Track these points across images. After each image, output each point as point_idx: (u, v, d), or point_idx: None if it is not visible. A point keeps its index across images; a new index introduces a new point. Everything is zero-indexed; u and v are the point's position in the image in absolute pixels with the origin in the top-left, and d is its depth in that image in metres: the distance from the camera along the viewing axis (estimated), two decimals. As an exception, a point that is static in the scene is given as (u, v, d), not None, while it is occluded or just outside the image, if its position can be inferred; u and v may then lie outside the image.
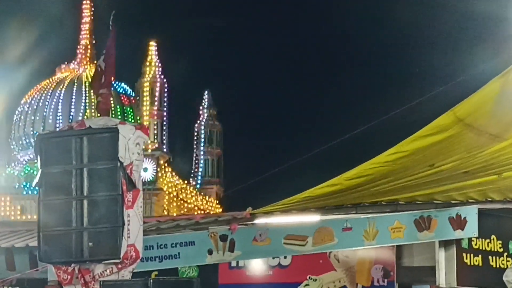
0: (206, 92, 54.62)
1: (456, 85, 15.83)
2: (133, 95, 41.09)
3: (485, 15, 14.39)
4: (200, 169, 53.92)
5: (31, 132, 31.59)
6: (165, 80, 49.02)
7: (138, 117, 39.05)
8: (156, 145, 46.07)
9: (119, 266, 12.78)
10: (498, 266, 16.35)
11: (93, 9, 43.70)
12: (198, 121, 53.83)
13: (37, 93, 38.94)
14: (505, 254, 16.53)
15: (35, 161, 15.63)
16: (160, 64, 50.30)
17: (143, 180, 14.91)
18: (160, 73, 50.46)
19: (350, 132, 19.82)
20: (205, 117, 54.94)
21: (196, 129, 53.97)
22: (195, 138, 55.17)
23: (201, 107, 54.58)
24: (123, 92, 34.55)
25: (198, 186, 50.41)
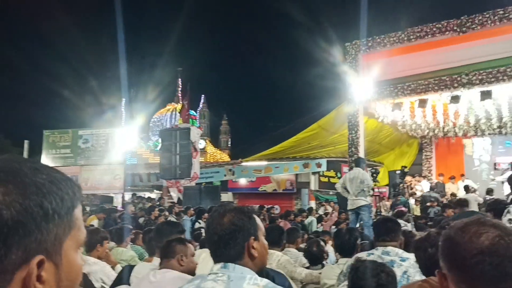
0: (224, 114, 53.81)
1: (318, 112, 15.79)
2: (195, 114, 40.84)
3: (333, 79, 14.29)
4: (222, 142, 53.01)
5: (157, 129, 31.22)
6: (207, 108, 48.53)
7: (198, 124, 38.66)
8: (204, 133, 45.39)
9: (190, 180, 13.24)
10: (334, 182, 16.66)
11: (180, 83, 43.03)
12: (221, 125, 52.86)
13: (159, 114, 38.47)
14: (336, 177, 16.77)
15: (159, 140, 15.96)
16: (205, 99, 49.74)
17: (200, 148, 15.16)
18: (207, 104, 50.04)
19: (283, 128, 20.09)
20: (224, 124, 54.15)
21: (220, 128, 52.98)
22: (220, 131, 54.20)
23: (222, 122, 53.43)
24: (192, 113, 34.12)
25: (220, 149, 50.01)
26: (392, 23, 13.33)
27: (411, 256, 3.08)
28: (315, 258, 4.49)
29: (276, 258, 4.23)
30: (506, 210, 3.97)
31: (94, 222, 8.95)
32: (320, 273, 4.01)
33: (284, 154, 17.02)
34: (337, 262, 4.08)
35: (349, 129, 12.98)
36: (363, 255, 3.31)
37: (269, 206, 14.36)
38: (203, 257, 3.42)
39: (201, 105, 49.45)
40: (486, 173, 15.79)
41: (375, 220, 5.86)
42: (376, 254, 3.18)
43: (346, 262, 3.47)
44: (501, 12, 10.74)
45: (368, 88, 12.30)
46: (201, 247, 4.47)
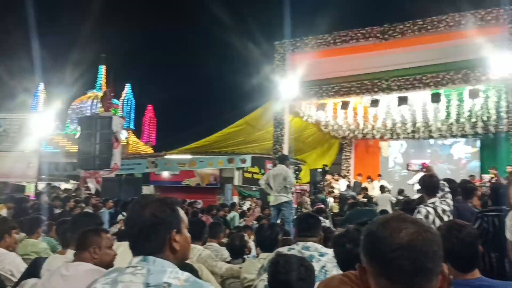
0: (149, 106, 51.05)
1: (245, 108, 15.69)
2: (118, 103, 38.18)
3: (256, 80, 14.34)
4: (145, 134, 50.85)
5: (76, 117, 29.02)
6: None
7: (119, 113, 36.34)
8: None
9: (110, 171, 12.77)
10: (257, 178, 16.78)
11: (103, 70, 39.88)
12: (146, 117, 50.50)
13: (79, 101, 36.11)
14: (260, 173, 16.89)
15: (78, 128, 15.19)
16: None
17: (122, 139, 14.60)
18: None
19: (210, 122, 19.88)
20: (149, 115, 51.80)
21: (145, 119, 50.89)
22: (144, 123, 51.79)
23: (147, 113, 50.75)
24: (114, 102, 31.79)
25: (143, 141, 47.67)
26: (320, 26, 13.65)
27: (330, 251, 3.16)
28: (238, 252, 4.50)
29: (197, 253, 4.18)
30: (416, 210, 4.19)
31: (3, 211, 8.36)
32: (240, 268, 4.02)
33: (209, 149, 16.87)
34: (258, 256, 4.11)
35: (274, 126, 13.17)
36: (283, 249, 3.36)
37: (192, 200, 14.19)
38: (121, 251, 3.29)
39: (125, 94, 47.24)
40: (399, 174, 16.74)
41: (296, 216, 5.98)
42: (296, 249, 3.23)
43: (267, 257, 3.49)
44: (420, 22, 11.38)
45: (294, 87, 12.54)
46: (119, 240, 4.32)
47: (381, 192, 12.59)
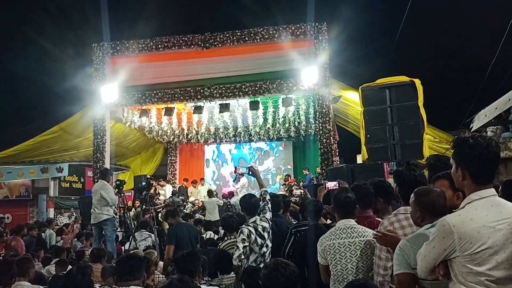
0: None
1: (61, 114, 14.14)
2: None
3: None
4: None
5: None
6: None
7: None
8: None
9: None
10: (76, 187, 15.44)
11: None
12: None
13: None
14: (79, 182, 15.65)
15: None
16: None
17: None
18: None
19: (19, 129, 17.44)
20: None
21: None
22: None
23: None
24: None
25: None
26: (142, 30, 13.20)
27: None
28: None
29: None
30: (239, 231, 4.22)
31: None
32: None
33: (18, 159, 14.95)
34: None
35: (94, 134, 12.32)
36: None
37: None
38: None
39: None
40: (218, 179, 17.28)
41: (116, 258, 5.56)
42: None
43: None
44: (239, 33, 11.81)
45: (115, 92, 11.96)
46: None
47: (209, 196, 12.74)
